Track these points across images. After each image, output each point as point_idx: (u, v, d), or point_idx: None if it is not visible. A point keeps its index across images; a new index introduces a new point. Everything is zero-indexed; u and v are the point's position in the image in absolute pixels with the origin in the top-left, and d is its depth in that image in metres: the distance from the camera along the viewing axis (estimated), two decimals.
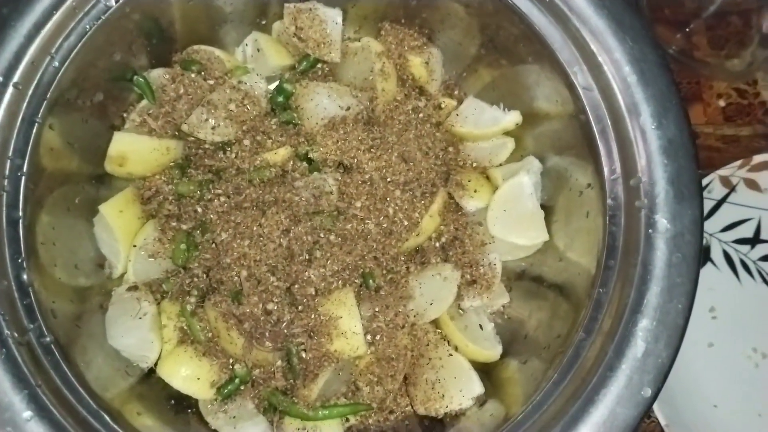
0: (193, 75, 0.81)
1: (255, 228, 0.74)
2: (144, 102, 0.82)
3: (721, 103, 0.96)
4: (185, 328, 0.76)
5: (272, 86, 0.85)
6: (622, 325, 0.64)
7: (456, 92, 0.89)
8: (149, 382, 0.75)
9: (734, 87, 0.97)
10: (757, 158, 0.90)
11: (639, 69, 0.69)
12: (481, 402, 0.75)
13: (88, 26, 0.71)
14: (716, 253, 0.90)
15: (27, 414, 0.59)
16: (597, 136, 0.71)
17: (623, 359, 0.62)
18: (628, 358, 0.62)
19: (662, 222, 0.66)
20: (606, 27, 0.71)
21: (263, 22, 0.87)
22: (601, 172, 0.71)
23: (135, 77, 0.80)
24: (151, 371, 0.76)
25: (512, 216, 0.79)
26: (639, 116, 0.69)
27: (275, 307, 0.73)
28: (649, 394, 0.61)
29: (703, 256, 0.87)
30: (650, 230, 0.66)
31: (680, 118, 0.68)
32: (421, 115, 0.83)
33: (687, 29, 0.95)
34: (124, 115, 0.82)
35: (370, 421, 0.77)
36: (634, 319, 0.64)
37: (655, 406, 0.79)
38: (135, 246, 0.76)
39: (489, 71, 0.87)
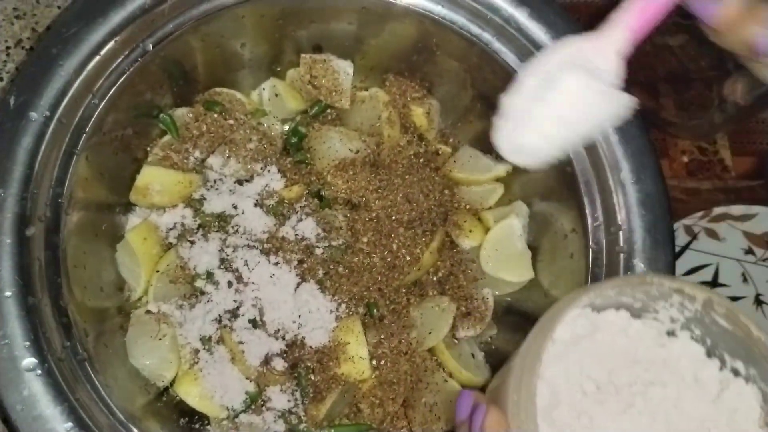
0: (215, 115, 0.87)
1: (272, 257, 0.81)
2: (167, 137, 0.88)
3: (685, 159, 1.07)
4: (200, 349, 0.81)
5: (286, 128, 0.92)
6: None
7: (451, 140, 0.98)
8: (164, 400, 0.80)
9: (696, 145, 1.08)
10: (717, 210, 1.00)
11: (620, 129, 0.78)
12: None
13: (126, 68, 0.78)
14: None
15: (67, 425, 0.64)
16: (582, 187, 0.80)
17: None
18: None
19: (640, 266, 0.75)
20: None
21: (278, 69, 0.94)
22: (585, 219, 0.79)
23: (161, 115, 0.86)
24: (166, 389, 0.81)
25: (502, 255, 0.87)
26: (620, 171, 0.78)
27: (289, 332, 0.79)
28: None
29: None
30: (629, 272, 0.75)
31: (656, 174, 0.77)
32: (421, 160, 0.91)
33: (656, 91, 1.06)
34: (148, 149, 0.88)
35: None
36: None
37: None
38: (158, 272, 0.82)
39: (481, 122, 0.96)
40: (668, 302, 0.50)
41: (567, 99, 0.51)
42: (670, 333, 0.51)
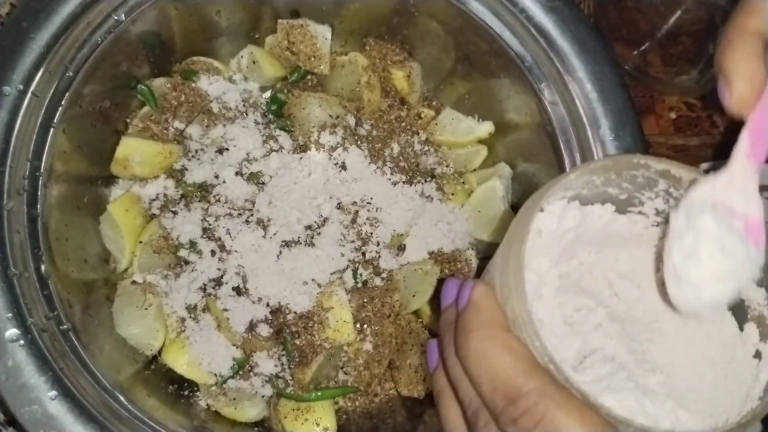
0: (193, 84, 0.87)
1: (253, 225, 0.81)
2: (146, 108, 0.87)
3: (672, 115, 1.06)
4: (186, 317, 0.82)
5: (265, 95, 0.92)
6: None
7: (434, 103, 0.97)
8: (153, 368, 0.82)
9: (684, 101, 1.07)
10: (704, 166, 1.00)
11: (599, 87, 0.78)
12: None
13: (99, 39, 0.77)
14: None
15: (52, 393, 0.65)
16: (562, 145, 0.80)
17: None
18: None
19: None
20: (570, 49, 0.79)
21: (256, 36, 0.93)
22: None
23: (138, 86, 0.86)
24: (154, 357, 0.82)
25: (485, 217, 0.87)
26: (599, 129, 0.77)
27: (272, 299, 0.80)
28: None
29: None
30: None
31: (635, 130, 0.77)
32: (403, 123, 0.91)
33: (642, 48, 1.05)
34: (127, 120, 0.88)
35: (357, 403, 0.85)
36: None
37: None
38: (141, 242, 0.82)
39: (464, 84, 0.95)
40: (654, 191, 0.48)
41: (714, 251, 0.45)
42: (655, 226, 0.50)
